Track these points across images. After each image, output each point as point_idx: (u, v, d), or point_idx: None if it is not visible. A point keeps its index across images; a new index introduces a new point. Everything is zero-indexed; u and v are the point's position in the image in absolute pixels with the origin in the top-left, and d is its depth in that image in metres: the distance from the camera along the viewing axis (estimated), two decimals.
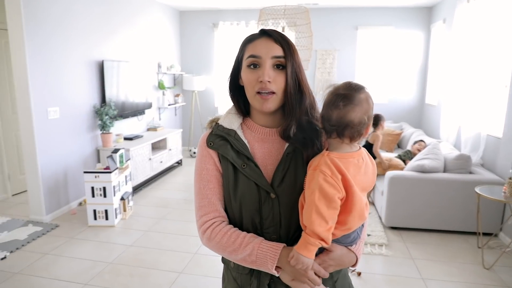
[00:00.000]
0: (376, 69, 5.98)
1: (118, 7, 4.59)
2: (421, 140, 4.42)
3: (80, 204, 4.03)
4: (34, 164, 3.44)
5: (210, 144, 1.07)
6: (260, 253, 0.98)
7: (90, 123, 4.16)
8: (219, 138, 1.07)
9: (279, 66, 1.01)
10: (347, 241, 1.08)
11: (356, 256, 1.10)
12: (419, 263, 2.90)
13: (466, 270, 2.81)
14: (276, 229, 1.03)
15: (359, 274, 2.72)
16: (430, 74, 5.69)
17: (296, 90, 1.03)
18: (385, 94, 6.01)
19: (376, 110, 5.69)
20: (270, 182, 1.04)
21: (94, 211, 3.47)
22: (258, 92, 1.00)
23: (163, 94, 6.03)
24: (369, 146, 4.01)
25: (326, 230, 0.94)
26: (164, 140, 5.37)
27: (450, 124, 4.57)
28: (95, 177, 3.41)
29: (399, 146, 5.37)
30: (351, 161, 1.00)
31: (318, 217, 0.93)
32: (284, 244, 1.00)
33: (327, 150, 1.02)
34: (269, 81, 0.99)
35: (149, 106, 5.48)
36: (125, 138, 4.73)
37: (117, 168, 3.57)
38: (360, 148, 1.06)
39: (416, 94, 5.95)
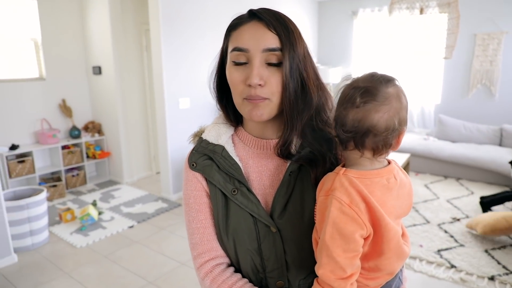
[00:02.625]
0: None
1: (249, 2, 4.73)
2: None
3: None
4: (165, 148, 3.89)
5: (193, 165, 0.86)
6: None
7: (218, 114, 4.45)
8: (204, 157, 0.85)
9: (274, 62, 0.75)
10: None
11: None
12: None
13: None
14: (281, 272, 0.80)
15: None
16: None
17: (298, 93, 0.77)
18: None
19: None
20: (270, 211, 0.81)
21: None
22: (248, 98, 0.77)
23: None
24: None
25: (341, 279, 0.69)
26: None
27: None
28: None
29: None
30: (377, 181, 0.72)
31: (331, 263, 0.69)
32: None
33: (343, 166, 0.76)
34: (259, 85, 0.74)
35: None
36: None
37: None
38: (389, 163, 0.76)
39: None
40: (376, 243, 0.72)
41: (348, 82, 0.75)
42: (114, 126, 4.48)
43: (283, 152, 0.80)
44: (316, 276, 0.73)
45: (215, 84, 0.87)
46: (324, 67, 6.14)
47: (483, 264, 2.63)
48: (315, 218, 0.77)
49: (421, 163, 4.74)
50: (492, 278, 2.48)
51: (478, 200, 3.64)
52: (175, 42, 3.79)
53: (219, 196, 0.83)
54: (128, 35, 4.46)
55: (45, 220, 3.07)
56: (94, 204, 3.64)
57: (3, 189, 3.57)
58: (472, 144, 4.72)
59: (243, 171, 0.83)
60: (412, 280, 2.51)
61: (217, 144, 0.85)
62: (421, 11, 3.55)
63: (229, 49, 0.79)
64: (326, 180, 0.75)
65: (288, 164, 0.81)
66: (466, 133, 4.86)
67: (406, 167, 4.20)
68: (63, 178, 4.18)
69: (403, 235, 0.78)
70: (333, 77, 6.04)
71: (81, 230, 3.28)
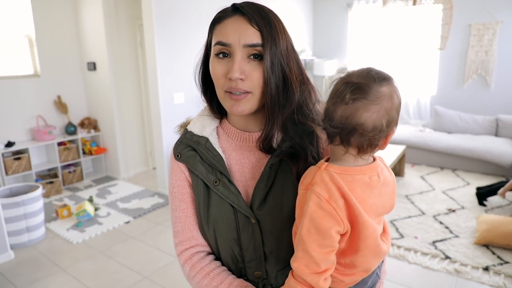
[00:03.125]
0: None
1: None
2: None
3: None
4: (161, 143, 3.89)
5: (178, 156, 0.88)
6: None
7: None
8: (188, 148, 0.87)
9: (257, 56, 0.76)
10: None
11: None
12: None
13: None
14: (259, 262, 0.82)
15: None
16: None
17: (279, 88, 0.78)
18: None
19: None
20: (250, 203, 0.83)
21: None
22: (229, 91, 0.77)
23: None
24: None
25: (315, 273, 0.69)
26: None
27: None
28: None
29: None
30: (359, 178, 0.71)
31: (306, 257, 0.68)
32: None
33: (326, 161, 0.75)
34: (241, 79, 0.75)
35: None
36: None
37: None
38: (374, 160, 0.76)
39: None
40: (353, 240, 0.72)
41: (343, 75, 0.73)
42: (110, 122, 4.47)
43: (265, 146, 0.81)
44: (291, 268, 0.73)
45: (199, 76, 0.88)
46: (320, 60, 6.12)
47: (478, 255, 2.65)
48: (296, 211, 0.77)
49: (417, 155, 4.75)
50: (486, 269, 2.50)
51: (474, 191, 3.65)
52: (169, 37, 3.77)
53: (201, 186, 0.85)
54: (122, 31, 4.43)
55: (41, 217, 3.08)
56: (90, 200, 3.65)
57: None
58: (468, 135, 4.72)
59: (225, 163, 0.84)
60: (406, 271, 2.53)
61: (201, 136, 0.86)
62: (414, 2, 3.53)
63: (213, 43, 0.79)
64: (308, 174, 0.75)
65: (269, 157, 0.82)
66: (462, 124, 4.86)
67: (402, 158, 4.21)
68: (59, 175, 4.18)
69: (383, 232, 0.78)
70: (328, 70, 6.03)
71: (77, 226, 3.29)
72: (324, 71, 6.00)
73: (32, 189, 3.16)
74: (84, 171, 4.51)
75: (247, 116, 0.84)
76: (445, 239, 2.87)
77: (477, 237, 2.77)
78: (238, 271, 0.86)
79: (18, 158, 3.80)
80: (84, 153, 4.55)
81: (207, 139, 0.86)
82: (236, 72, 0.74)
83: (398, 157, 3.93)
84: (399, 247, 2.78)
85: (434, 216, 3.27)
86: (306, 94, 0.82)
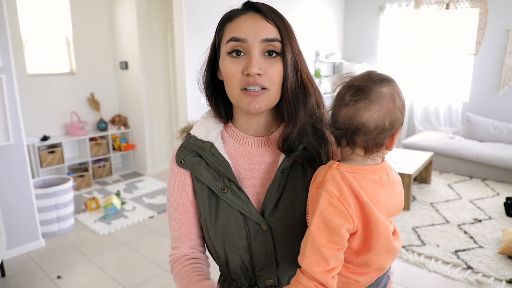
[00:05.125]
0: None
1: None
2: None
3: None
4: None
5: (181, 162, 0.83)
6: None
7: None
8: (192, 154, 0.83)
9: (272, 53, 0.76)
10: None
11: None
12: None
13: None
14: (271, 270, 0.81)
15: None
16: None
17: (298, 85, 0.78)
18: None
19: None
20: (261, 209, 0.80)
21: None
22: (245, 88, 0.75)
23: (320, 82, 5.96)
24: None
25: (325, 271, 0.69)
26: None
27: None
28: None
29: None
30: (369, 177, 0.73)
31: (315, 253, 0.69)
32: None
33: (338, 160, 0.77)
34: (259, 74, 0.73)
35: None
36: None
37: None
38: (383, 160, 0.78)
39: None
40: (366, 238, 0.72)
41: (346, 80, 0.76)
42: (139, 120, 4.63)
43: (285, 146, 0.80)
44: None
45: (204, 79, 0.86)
46: (349, 64, 6.07)
47: (502, 267, 2.55)
48: (307, 212, 0.78)
49: (445, 162, 4.61)
50: (510, 281, 2.40)
51: (503, 201, 3.52)
52: (199, 37, 3.86)
53: (207, 194, 0.82)
54: (154, 32, 4.59)
55: (71, 208, 3.24)
56: (117, 194, 3.80)
57: (33, 177, 3.79)
58: (501, 144, 4.53)
59: (232, 169, 0.82)
60: (426, 279, 2.48)
61: (206, 141, 0.83)
62: (447, 6, 3.44)
63: (224, 41, 0.78)
64: (319, 173, 0.76)
65: (280, 161, 0.81)
66: (495, 133, 4.68)
67: (429, 165, 4.11)
68: (90, 169, 4.37)
69: (394, 232, 0.79)
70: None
71: (104, 218, 3.43)
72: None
73: (63, 181, 3.33)
74: (113, 166, 4.69)
75: (257, 119, 0.83)
76: (468, 249, 2.79)
77: (502, 247, 2.68)
78: (248, 280, 0.84)
79: (52, 152, 4.01)
80: (113, 149, 4.73)
81: (212, 144, 0.82)
82: (255, 67, 0.73)
83: (425, 164, 3.84)
84: (419, 254, 2.73)
85: (459, 225, 3.18)
86: (318, 98, 0.83)
